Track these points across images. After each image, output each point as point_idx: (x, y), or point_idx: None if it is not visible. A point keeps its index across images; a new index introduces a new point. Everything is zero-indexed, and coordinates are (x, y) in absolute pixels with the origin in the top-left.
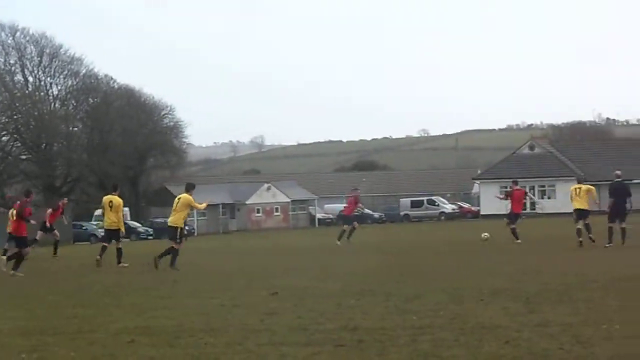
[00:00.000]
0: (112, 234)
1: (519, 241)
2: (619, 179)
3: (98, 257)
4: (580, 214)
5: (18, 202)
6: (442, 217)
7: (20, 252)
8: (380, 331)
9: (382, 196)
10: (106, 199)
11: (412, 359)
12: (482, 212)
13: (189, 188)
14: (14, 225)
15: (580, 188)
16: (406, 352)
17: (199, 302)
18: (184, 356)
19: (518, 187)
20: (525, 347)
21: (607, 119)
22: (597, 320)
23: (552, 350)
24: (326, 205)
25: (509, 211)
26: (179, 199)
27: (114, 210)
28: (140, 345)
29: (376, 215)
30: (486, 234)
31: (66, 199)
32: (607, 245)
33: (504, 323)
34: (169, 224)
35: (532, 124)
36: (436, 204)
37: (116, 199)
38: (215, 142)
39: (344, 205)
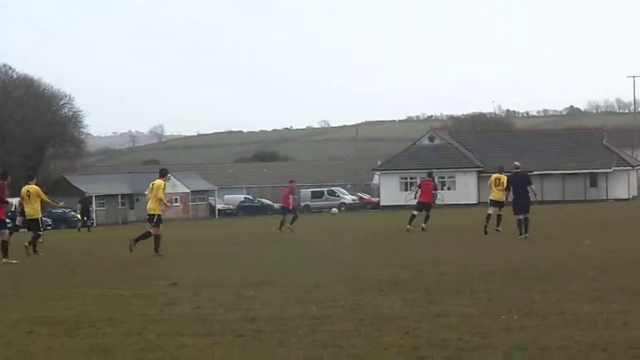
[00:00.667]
0: (30, 224)
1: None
2: (518, 170)
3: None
4: (497, 204)
5: None
6: (343, 208)
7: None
8: (280, 321)
9: (283, 187)
10: (24, 189)
11: (312, 349)
12: (382, 203)
13: (162, 174)
14: None
15: (499, 179)
16: (306, 342)
17: (99, 293)
18: (83, 346)
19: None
20: (424, 338)
21: (507, 110)
22: (496, 311)
23: (451, 341)
24: (226, 196)
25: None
26: (152, 184)
27: (31, 200)
28: (39, 335)
29: (276, 206)
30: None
31: None
32: (521, 237)
33: (403, 313)
34: (148, 211)
35: (432, 116)
36: (336, 194)
37: (33, 189)
38: (114, 132)
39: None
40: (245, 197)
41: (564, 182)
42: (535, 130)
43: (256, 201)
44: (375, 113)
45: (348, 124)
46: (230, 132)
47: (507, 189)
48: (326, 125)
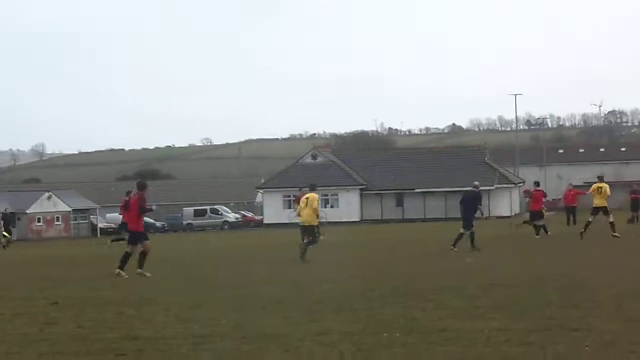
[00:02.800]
0: None
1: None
2: (474, 189)
3: None
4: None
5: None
6: (226, 226)
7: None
8: (161, 340)
9: (165, 205)
10: None
11: None
12: (265, 221)
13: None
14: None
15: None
16: None
17: None
18: None
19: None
20: (306, 356)
21: (390, 128)
22: (377, 328)
23: (332, 359)
24: (108, 215)
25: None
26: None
27: None
28: None
29: (158, 224)
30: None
31: None
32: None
33: (285, 331)
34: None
35: (315, 133)
36: (219, 213)
37: None
38: None
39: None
40: None
41: (447, 199)
42: (418, 148)
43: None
44: (258, 131)
45: (231, 142)
46: (112, 150)
47: (461, 203)
48: (209, 143)
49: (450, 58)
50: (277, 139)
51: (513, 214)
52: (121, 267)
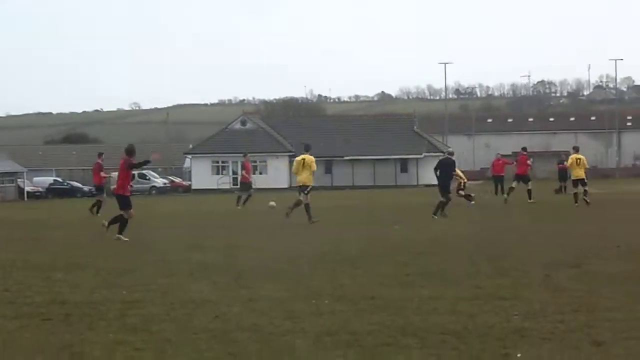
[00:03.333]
0: None
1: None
2: (449, 156)
3: None
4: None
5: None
6: (154, 192)
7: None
8: (89, 305)
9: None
10: None
11: (122, 333)
12: (193, 187)
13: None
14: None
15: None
16: (116, 326)
17: None
18: None
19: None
20: (234, 322)
21: (319, 95)
22: (306, 295)
23: (262, 325)
24: (35, 178)
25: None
26: (303, 159)
27: None
28: None
29: (86, 188)
30: (272, 202)
31: None
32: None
33: (214, 298)
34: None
35: (244, 99)
36: (147, 178)
37: None
38: None
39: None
40: (54, 180)
41: (375, 167)
42: (347, 115)
43: (65, 184)
44: (187, 96)
45: (159, 106)
46: (40, 113)
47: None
48: (137, 108)
49: (379, 26)
50: (206, 104)
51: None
52: (120, 232)
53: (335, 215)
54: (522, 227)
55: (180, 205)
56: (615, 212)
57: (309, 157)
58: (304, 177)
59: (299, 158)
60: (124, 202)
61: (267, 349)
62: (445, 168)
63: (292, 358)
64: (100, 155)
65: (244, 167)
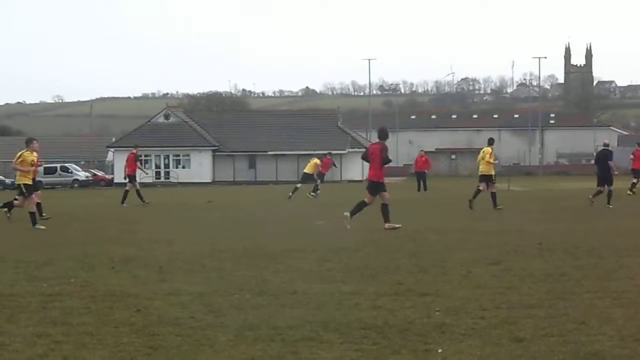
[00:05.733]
0: None
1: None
2: (605, 147)
3: None
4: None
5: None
6: (76, 185)
7: None
8: (10, 298)
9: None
10: None
11: (42, 326)
12: (115, 180)
13: (28, 143)
14: None
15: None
16: (36, 319)
17: None
18: None
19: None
20: (156, 316)
21: (244, 90)
22: (228, 289)
23: (183, 319)
24: None
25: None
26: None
27: None
28: None
29: (8, 181)
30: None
31: None
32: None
33: (134, 291)
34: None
35: (167, 93)
36: (70, 171)
37: None
38: None
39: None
40: None
41: (299, 162)
42: (271, 110)
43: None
44: (111, 89)
45: (82, 99)
46: None
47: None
48: (60, 101)
49: (305, 21)
50: (129, 97)
51: (364, 178)
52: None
53: (259, 211)
54: (444, 224)
55: (102, 198)
56: (537, 209)
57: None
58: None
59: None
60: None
61: (188, 343)
62: (603, 159)
63: (213, 352)
64: (135, 146)
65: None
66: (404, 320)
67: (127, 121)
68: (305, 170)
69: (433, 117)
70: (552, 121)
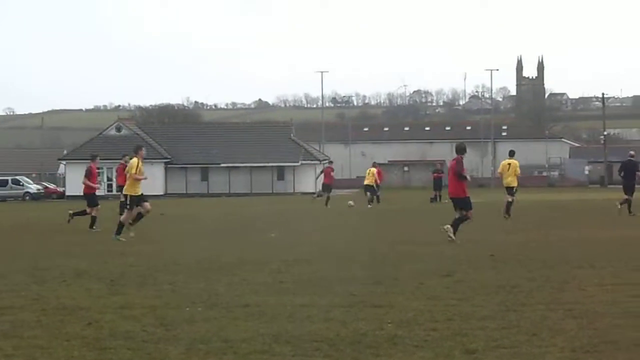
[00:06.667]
0: None
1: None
2: (630, 159)
3: None
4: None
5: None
6: (27, 197)
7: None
8: None
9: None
10: None
11: None
12: (67, 193)
13: (136, 150)
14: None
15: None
16: None
17: None
18: None
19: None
20: (107, 329)
21: (196, 102)
22: (180, 302)
23: (135, 332)
24: None
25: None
26: (509, 163)
27: None
28: None
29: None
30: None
31: None
32: (631, 214)
33: (86, 304)
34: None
35: (119, 105)
36: (21, 183)
37: None
38: None
39: None
40: None
41: (252, 175)
42: (224, 123)
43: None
44: (62, 101)
45: (34, 111)
46: None
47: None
48: (11, 113)
49: (257, 33)
50: (81, 110)
51: (317, 190)
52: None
53: (212, 223)
54: (398, 236)
55: (54, 211)
56: (490, 221)
57: (514, 162)
58: (509, 180)
59: (505, 162)
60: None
61: (139, 356)
62: (629, 169)
63: None
64: (123, 157)
65: (322, 172)
66: (356, 333)
67: (79, 134)
68: (365, 183)
69: (386, 129)
70: (504, 133)
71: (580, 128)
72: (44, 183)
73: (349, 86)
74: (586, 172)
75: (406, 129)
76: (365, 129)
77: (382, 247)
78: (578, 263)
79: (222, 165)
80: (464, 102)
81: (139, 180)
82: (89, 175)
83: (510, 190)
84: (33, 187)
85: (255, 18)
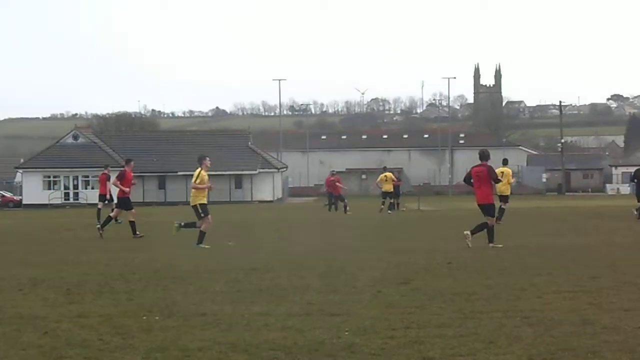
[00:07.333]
0: None
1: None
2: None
3: None
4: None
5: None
6: None
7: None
8: None
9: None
10: None
11: None
12: (24, 202)
13: (199, 160)
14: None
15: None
16: None
17: None
18: None
19: None
20: (64, 338)
21: (153, 110)
22: (137, 311)
23: (91, 341)
24: None
25: None
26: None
27: None
28: None
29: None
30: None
31: None
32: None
33: (43, 313)
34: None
35: (77, 114)
36: None
37: None
38: None
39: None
40: None
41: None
42: (181, 131)
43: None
44: (18, 110)
45: None
46: None
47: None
48: None
49: (214, 41)
50: (38, 118)
51: (275, 198)
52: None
53: (169, 231)
54: (356, 244)
55: (10, 220)
56: (448, 229)
57: (507, 170)
58: (502, 188)
59: (498, 170)
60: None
61: None
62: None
63: None
64: (106, 167)
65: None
66: (314, 341)
67: (35, 142)
68: (383, 190)
69: (344, 137)
70: (461, 141)
71: (538, 136)
72: (0, 192)
73: (306, 94)
74: (544, 180)
75: (364, 137)
76: (323, 137)
77: (339, 254)
78: (536, 270)
79: (180, 173)
80: (421, 110)
81: (200, 189)
82: (122, 179)
83: (503, 198)
84: None
85: (212, 25)
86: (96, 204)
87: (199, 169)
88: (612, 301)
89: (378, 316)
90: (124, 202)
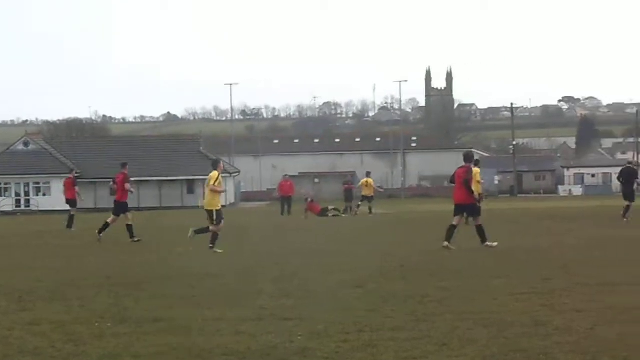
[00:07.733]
0: None
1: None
2: (629, 165)
3: None
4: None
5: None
6: None
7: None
8: None
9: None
10: None
11: None
12: None
13: (215, 164)
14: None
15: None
16: None
17: None
18: None
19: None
20: (16, 346)
21: (104, 116)
22: (89, 318)
23: (43, 349)
24: None
25: None
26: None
27: None
28: None
29: None
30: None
31: None
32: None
33: None
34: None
35: (27, 120)
36: None
37: None
38: None
39: None
40: None
41: (161, 188)
42: (132, 136)
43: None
44: None
45: None
46: None
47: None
48: None
49: (165, 46)
50: None
51: (228, 203)
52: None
53: (121, 238)
54: (309, 248)
55: None
56: (400, 232)
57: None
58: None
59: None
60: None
61: None
62: (627, 177)
63: None
64: (72, 171)
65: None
66: (266, 346)
67: None
68: (362, 194)
69: (296, 141)
70: (413, 144)
71: (490, 138)
72: None
73: (258, 98)
74: (496, 182)
75: (316, 140)
76: (276, 141)
77: (292, 259)
78: (490, 273)
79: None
80: (373, 114)
81: (217, 192)
82: (128, 180)
83: None
84: None
85: (163, 30)
86: (48, 212)
87: (216, 172)
88: (564, 302)
89: (331, 320)
90: (121, 207)
